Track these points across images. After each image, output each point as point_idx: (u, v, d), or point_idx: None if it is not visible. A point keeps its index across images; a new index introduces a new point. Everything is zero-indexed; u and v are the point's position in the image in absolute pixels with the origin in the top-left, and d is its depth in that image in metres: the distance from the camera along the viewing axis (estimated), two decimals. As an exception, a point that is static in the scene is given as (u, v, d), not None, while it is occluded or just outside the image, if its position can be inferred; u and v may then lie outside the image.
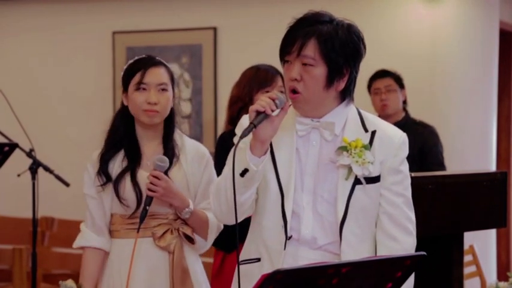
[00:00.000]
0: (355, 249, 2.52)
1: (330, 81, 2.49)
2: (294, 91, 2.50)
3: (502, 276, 5.96)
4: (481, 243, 5.70)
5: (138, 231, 2.97)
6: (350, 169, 2.50)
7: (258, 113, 2.42)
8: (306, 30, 2.48)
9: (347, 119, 2.57)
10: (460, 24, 6.09)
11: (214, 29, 6.57)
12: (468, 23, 6.11)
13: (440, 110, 6.04)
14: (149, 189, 2.99)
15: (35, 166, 4.41)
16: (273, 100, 2.44)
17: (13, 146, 4.33)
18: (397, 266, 2.10)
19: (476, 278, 5.21)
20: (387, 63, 5.91)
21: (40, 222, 6.16)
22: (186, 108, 6.68)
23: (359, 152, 2.49)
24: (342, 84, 2.53)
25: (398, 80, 5.33)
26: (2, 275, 5.85)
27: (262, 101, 2.43)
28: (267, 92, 3.59)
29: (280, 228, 2.53)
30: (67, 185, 4.55)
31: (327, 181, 2.53)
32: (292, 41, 2.49)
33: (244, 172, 2.42)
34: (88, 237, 3.13)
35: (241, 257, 2.65)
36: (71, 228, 6.26)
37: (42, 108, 6.99)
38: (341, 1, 5.96)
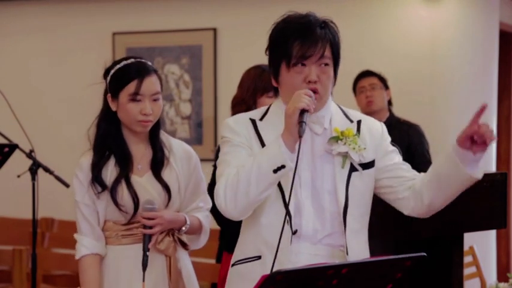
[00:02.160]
0: (357, 236, 2.61)
1: (335, 78, 2.64)
2: (314, 92, 2.54)
3: (502, 277, 5.95)
4: (481, 244, 5.70)
5: (143, 281, 2.93)
6: (345, 157, 2.59)
7: (302, 111, 2.46)
8: (321, 33, 2.57)
9: (332, 113, 2.67)
10: (460, 25, 6.08)
11: (214, 30, 6.57)
12: (468, 24, 6.11)
13: (440, 110, 6.04)
14: (147, 229, 2.96)
15: (35, 167, 4.41)
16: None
17: (13, 147, 4.33)
18: (397, 267, 2.10)
19: (476, 279, 5.20)
20: (387, 64, 5.91)
21: (40, 223, 6.16)
22: (186, 108, 6.68)
23: (353, 140, 2.59)
24: (335, 80, 2.66)
25: (382, 80, 5.42)
26: (2, 276, 5.85)
27: (304, 99, 2.48)
28: (271, 96, 3.61)
29: (282, 224, 2.52)
30: (67, 185, 4.55)
31: (325, 172, 2.60)
32: (313, 45, 2.55)
33: (280, 168, 2.45)
34: (89, 245, 3.06)
35: (236, 258, 2.68)
36: (71, 229, 6.20)
37: (42, 109, 6.99)
38: (341, 2, 5.96)
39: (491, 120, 6.28)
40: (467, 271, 4.82)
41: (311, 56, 2.55)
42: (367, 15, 6.12)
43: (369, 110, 5.34)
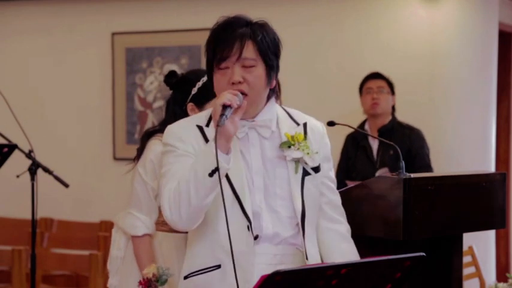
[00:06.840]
0: (312, 240, 2.60)
1: (269, 79, 2.55)
2: (242, 93, 2.48)
3: (501, 277, 5.95)
4: (481, 244, 5.70)
5: None
6: (297, 162, 2.56)
7: (224, 107, 2.40)
8: (239, 33, 2.53)
9: (278, 115, 2.63)
10: (459, 26, 6.09)
11: (214, 30, 6.56)
12: (467, 25, 6.11)
13: (440, 111, 6.04)
14: None
15: (34, 167, 4.41)
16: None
17: (12, 147, 4.33)
18: (396, 267, 2.10)
19: (475, 279, 5.21)
20: (386, 64, 5.91)
21: (39, 223, 6.16)
22: (185, 109, 6.67)
23: (305, 144, 2.57)
24: (274, 82, 2.60)
25: (390, 85, 5.43)
26: (1, 276, 5.85)
27: (228, 95, 2.42)
28: None
29: (242, 230, 2.50)
30: (66, 186, 4.55)
31: (277, 177, 2.57)
32: (229, 46, 2.51)
33: (214, 172, 2.37)
34: (149, 225, 3.28)
35: (189, 270, 2.59)
36: (70, 230, 6.27)
37: (41, 109, 6.98)
38: (340, 3, 5.96)
39: (490, 121, 6.28)
40: (466, 271, 4.82)
41: (228, 57, 2.50)
42: (367, 16, 6.12)
43: (372, 112, 5.36)
